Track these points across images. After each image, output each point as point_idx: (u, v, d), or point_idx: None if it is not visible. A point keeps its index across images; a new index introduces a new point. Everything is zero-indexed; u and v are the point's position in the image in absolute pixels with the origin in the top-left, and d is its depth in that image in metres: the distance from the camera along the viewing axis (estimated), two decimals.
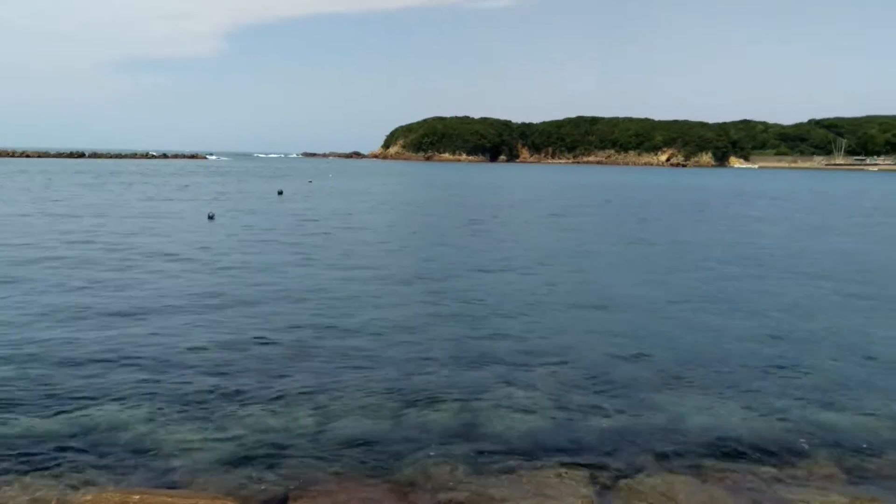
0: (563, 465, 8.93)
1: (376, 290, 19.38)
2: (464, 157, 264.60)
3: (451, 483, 8.41)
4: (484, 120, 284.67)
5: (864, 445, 9.77)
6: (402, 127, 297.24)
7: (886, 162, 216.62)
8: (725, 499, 8.18)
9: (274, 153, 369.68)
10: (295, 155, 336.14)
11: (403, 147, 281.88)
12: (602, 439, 9.77)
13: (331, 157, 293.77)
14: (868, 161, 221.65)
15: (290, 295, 18.44)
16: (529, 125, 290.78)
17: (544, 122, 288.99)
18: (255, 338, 14.24)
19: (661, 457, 9.25)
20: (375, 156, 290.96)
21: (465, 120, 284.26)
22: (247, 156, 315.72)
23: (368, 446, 9.36)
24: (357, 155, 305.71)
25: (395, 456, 9.09)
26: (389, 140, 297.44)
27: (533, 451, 9.31)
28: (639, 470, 8.84)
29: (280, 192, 60.35)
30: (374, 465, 8.86)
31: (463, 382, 11.89)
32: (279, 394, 11.13)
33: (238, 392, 11.17)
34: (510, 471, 8.74)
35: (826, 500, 8.10)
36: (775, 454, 9.41)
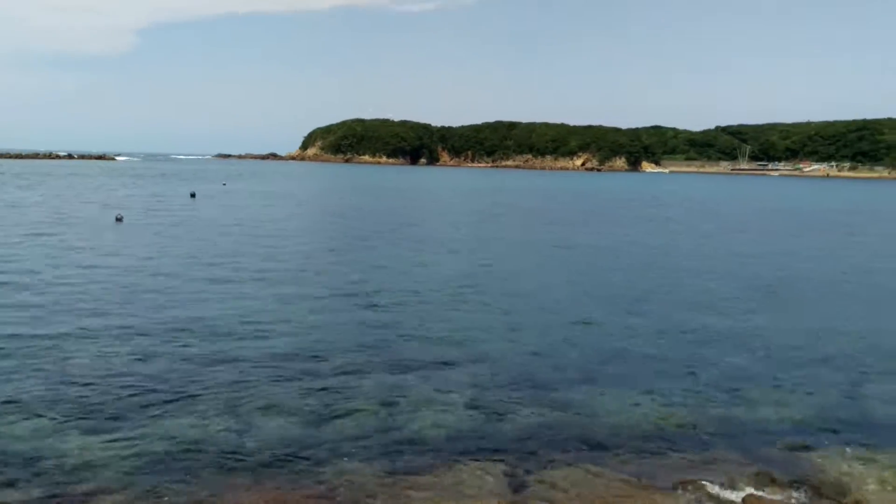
0: (480, 462, 9.04)
1: (291, 296, 19.11)
2: (384, 159, 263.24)
3: (369, 485, 8.37)
4: (404, 123, 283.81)
5: (761, 432, 10.31)
6: (320, 128, 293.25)
7: (786, 167, 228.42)
8: (635, 487, 8.44)
9: (187, 154, 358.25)
10: (209, 156, 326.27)
11: (322, 149, 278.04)
12: (518, 436, 9.94)
13: (247, 159, 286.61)
14: (770, 166, 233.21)
15: (201, 302, 17.97)
16: (449, 129, 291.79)
17: (464, 126, 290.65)
18: (166, 346, 13.79)
19: (575, 451, 9.48)
20: (293, 157, 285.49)
21: (386, 122, 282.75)
22: (159, 157, 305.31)
23: (285, 451, 9.22)
24: (274, 156, 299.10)
25: (313, 460, 8.99)
26: (308, 141, 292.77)
27: (451, 450, 9.38)
28: (553, 464, 9.03)
29: (192, 195, 58.53)
30: (291, 469, 8.73)
31: (380, 385, 11.85)
32: (192, 402, 10.83)
33: (149, 402, 10.80)
34: (428, 470, 8.77)
35: (726, 485, 8.47)
36: (681, 444, 9.82)
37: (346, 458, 9.05)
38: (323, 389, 11.56)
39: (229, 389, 11.39)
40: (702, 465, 9.13)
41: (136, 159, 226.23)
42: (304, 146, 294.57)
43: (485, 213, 52.88)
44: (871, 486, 8.50)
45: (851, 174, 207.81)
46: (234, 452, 9.11)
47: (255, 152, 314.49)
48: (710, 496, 8.25)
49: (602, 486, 8.48)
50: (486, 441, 9.74)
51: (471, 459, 9.12)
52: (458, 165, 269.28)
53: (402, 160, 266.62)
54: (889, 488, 8.45)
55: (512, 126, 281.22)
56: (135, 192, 64.70)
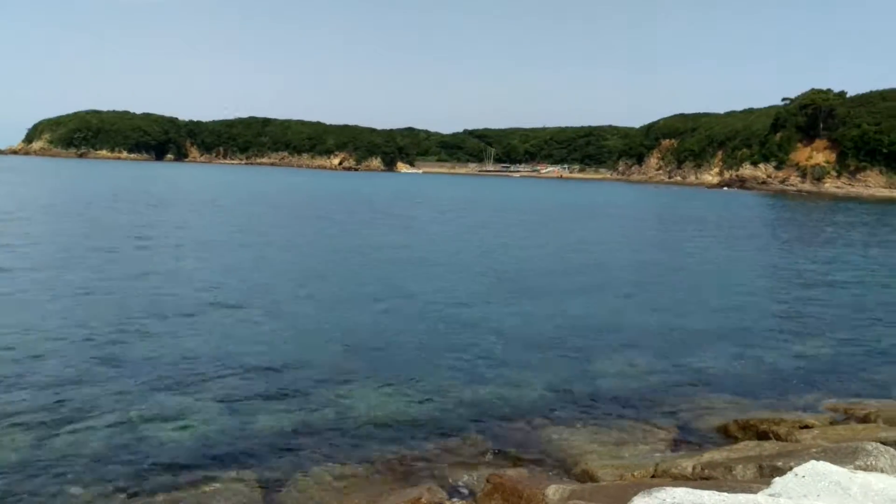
0: (231, 471, 8.67)
1: (17, 301, 16.91)
2: (124, 154, 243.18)
3: None
4: (147, 116, 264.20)
5: (503, 413, 11.01)
6: (48, 120, 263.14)
7: (526, 169, 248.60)
8: (384, 480, 8.58)
9: None
10: None
11: (51, 142, 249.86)
12: (272, 440, 9.68)
13: None
14: (512, 168, 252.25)
15: None
16: (199, 123, 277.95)
17: (215, 122, 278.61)
18: None
19: (328, 449, 9.43)
20: (15, 151, 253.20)
21: (125, 115, 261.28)
22: None
23: (1, 476, 8.15)
24: None
25: (40, 486, 8.02)
26: (32, 134, 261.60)
27: (200, 462, 8.90)
28: (307, 465, 8.91)
29: None
30: (9, 497, 7.74)
31: (118, 396, 10.94)
32: None
33: None
34: (174, 485, 8.23)
35: (471, 467, 8.89)
36: (429, 432, 10.17)
37: (78, 479, 8.21)
38: (48, 404, 10.37)
39: None
40: (449, 451, 9.53)
41: None
42: (29, 139, 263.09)
43: (247, 212, 51.01)
44: (597, 455, 9.41)
45: (581, 175, 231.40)
46: None
47: None
48: (455, 480, 8.62)
49: (352, 482, 8.52)
50: (237, 449, 9.35)
51: (221, 469, 8.71)
52: (210, 162, 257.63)
53: (145, 156, 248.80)
54: (610, 456, 9.42)
55: (266, 122, 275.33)
56: None
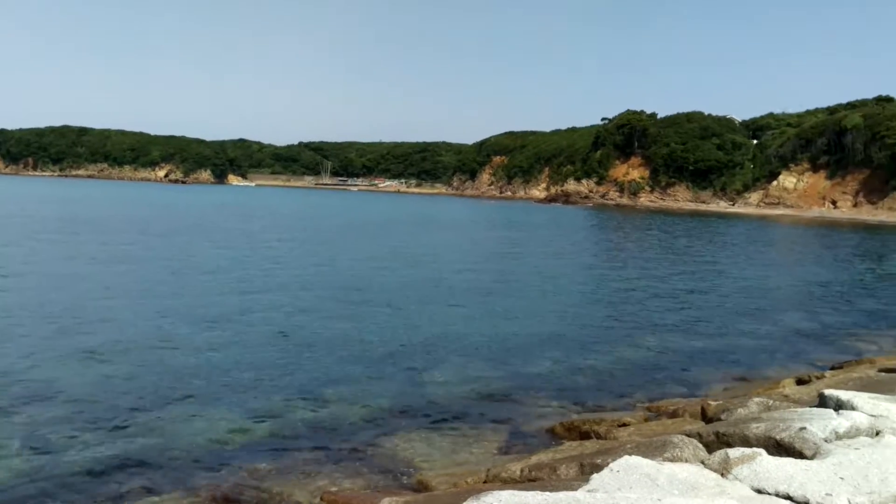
0: None
1: None
2: None
3: None
4: None
5: (344, 429, 10.93)
6: None
7: (364, 183, 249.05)
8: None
9: None
10: None
11: None
12: (89, 474, 9.01)
13: None
14: (350, 182, 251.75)
15: None
16: (3, 131, 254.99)
17: (23, 130, 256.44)
18: None
19: (155, 479, 8.93)
20: None
21: None
22: None
23: None
24: None
25: None
26: None
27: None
28: (130, 500, 8.39)
29: None
30: None
31: None
32: None
33: None
34: None
35: (309, 487, 8.68)
36: (268, 453, 9.88)
37: None
38: None
39: None
40: (282, 470, 9.32)
41: None
42: None
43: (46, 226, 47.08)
44: (431, 464, 9.61)
45: (417, 190, 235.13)
46: None
47: None
48: (288, 499, 8.46)
49: None
50: (52, 485, 8.64)
51: None
52: (17, 174, 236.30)
53: None
54: (445, 464, 9.65)
55: (83, 131, 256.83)
56: None
